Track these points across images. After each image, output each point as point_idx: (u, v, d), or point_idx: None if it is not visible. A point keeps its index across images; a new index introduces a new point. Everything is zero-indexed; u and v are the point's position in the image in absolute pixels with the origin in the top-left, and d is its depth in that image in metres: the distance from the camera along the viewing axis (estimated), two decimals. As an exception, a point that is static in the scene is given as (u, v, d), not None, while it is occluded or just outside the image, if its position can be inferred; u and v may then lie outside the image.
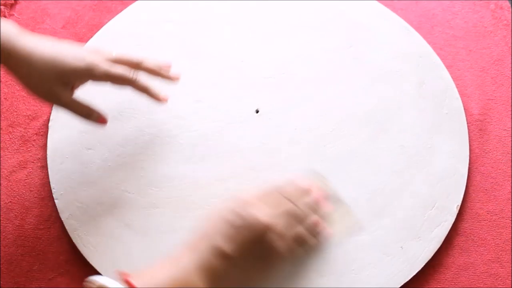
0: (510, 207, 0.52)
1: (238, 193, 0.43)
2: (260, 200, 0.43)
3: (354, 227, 0.48)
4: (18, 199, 0.52)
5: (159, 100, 0.50)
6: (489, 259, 0.49)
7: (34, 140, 0.55)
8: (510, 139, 0.56)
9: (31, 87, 0.45)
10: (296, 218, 0.43)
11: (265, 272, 0.43)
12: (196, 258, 0.40)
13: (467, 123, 0.56)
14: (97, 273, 0.48)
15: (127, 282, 0.37)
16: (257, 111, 0.56)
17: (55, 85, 0.45)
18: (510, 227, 0.51)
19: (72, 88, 0.47)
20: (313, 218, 0.45)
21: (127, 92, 0.56)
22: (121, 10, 0.63)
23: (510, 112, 0.57)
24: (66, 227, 0.49)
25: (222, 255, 0.40)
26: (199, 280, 0.39)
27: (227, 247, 0.40)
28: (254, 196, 0.43)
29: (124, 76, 0.47)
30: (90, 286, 0.37)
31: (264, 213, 0.41)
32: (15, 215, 0.51)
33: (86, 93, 0.56)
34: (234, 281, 0.41)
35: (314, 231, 0.45)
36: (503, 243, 0.50)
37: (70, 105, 0.47)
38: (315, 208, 0.45)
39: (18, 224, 0.50)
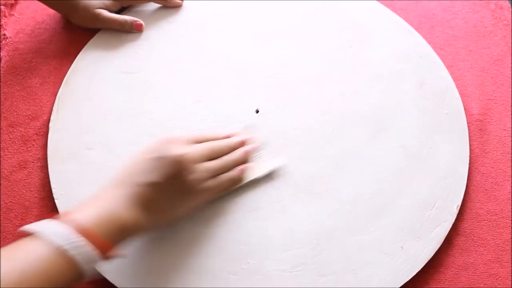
0: (510, 207, 0.52)
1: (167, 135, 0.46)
2: (185, 141, 0.46)
3: (274, 164, 0.51)
4: (18, 199, 0.52)
5: (176, 4, 0.62)
6: (489, 259, 0.49)
7: (34, 140, 0.55)
8: (510, 139, 0.56)
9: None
10: (213, 153, 0.47)
11: (185, 202, 0.45)
12: (121, 191, 0.42)
13: (467, 123, 0.56)
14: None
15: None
16: (257, 111, 0.56)
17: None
18: (510, 227, 0.51)
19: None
20: (233, 155, 0.49)
21: (127, 92, 0.57)
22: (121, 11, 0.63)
23: (510, 112, 0.57)
24: (66, 227, 0.49)
25: (148, 184, 0.42)
26: (129, 210, 0.41)
27: (151, 175, 0.43)
28: (180, 137, 0.46)
29: None
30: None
31: (179, 149, 0.44)
32: (15, 215, 0.51)
33: (86, 92, 0.57)
34: (162, 206, 0.43)
35: (233, 166, 0.48)
36: (503, 243, 0.50)
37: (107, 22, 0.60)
38: (239, 150, 0.50)
39: (18, 224, 0.50)
